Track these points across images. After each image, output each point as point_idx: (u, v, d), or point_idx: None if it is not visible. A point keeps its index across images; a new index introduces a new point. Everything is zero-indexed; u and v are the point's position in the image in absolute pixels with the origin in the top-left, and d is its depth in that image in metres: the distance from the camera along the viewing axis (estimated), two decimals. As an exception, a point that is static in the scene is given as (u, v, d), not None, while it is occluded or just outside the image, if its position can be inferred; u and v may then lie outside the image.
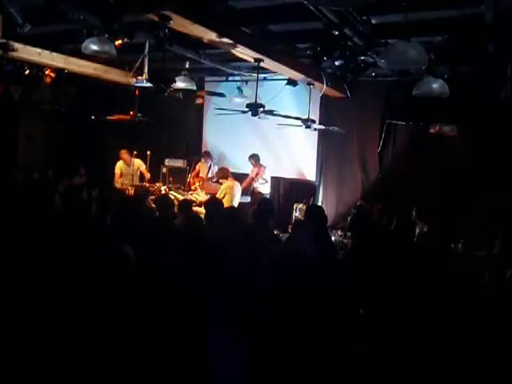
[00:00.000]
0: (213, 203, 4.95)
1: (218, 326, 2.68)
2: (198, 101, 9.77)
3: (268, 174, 9.46)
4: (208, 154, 9.91)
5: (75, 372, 2.23)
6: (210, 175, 9.64)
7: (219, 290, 2.84)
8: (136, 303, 2.52)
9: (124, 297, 2.47)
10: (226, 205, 6.92)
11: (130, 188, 8.02)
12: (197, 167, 9.68)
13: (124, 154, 8.92)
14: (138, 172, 8.93)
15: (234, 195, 7.82)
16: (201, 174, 9.55)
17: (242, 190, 9.06)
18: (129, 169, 8.79)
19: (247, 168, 10.34)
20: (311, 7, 4.74)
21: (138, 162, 8.81)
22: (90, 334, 2.30)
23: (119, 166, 8.96)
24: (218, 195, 7.51)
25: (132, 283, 2.54)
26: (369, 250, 3.69)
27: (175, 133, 10.75)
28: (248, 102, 7.83)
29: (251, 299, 2.93)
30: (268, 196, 9.21)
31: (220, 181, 7.96)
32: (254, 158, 9.41)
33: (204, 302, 2.80)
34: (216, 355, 2.61)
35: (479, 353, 2.77)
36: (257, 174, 9.31)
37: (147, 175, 8.75)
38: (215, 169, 9.77)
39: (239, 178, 9.59)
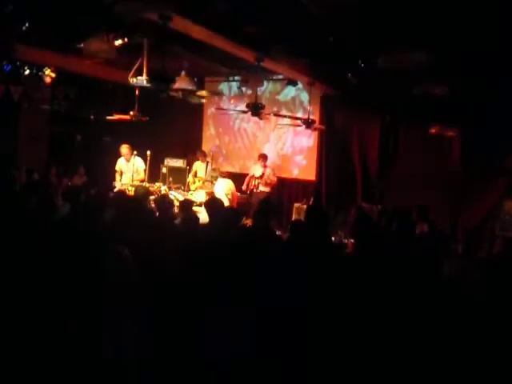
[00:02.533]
0: (213, 203, 4.94)
1: (218, 326, 2.68)
2: (198, 101, 9.75)
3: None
4: (204, 154, 9.86)
5: (70, 370, 2.24)
6: (209, 171, 9.56)
7: (220, 290, 2.84)
8: (134, 303, 2.52)
9: (120, 296, 2.47)
10: (227, 203, 6.95)
11: (130, 188, 7.97)
12: (193, 167, 9.66)
13: (124, 148, 8.71)
14: (139, 171, 8.79)
15: (233, 196, 7.87)
16: (199, 174, 9.52)
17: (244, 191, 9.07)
18: (129, 166, 8.67)
19: (247, 168, 10.34)
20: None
21: (138, 161, 8.72)
22: (86, 332, 2.30)
23: (119, 163, 8.85)
24: (226, 191, 7.54)
25: (128, 283, 2.54)
26: (370, 251, 3.68)
27: (175, 133, 10.74)
28: (248, 101, 7.82)
29: (252, 299, 2.93)
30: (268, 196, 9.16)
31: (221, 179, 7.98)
32: (264, 158, 9.23)
33: (203, 303, 2.80)
34: (215, 354, 2.61)
35: (479, 353, 2.77)
36: (263, 174, 9.21)
37: (142, 176, 8.60)
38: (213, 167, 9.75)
39: (239, 178, 9.60)
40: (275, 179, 9.19)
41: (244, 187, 9.28)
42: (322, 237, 4.06)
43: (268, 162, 9.32)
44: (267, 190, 9.16)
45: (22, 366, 2.30)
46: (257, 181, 9.14)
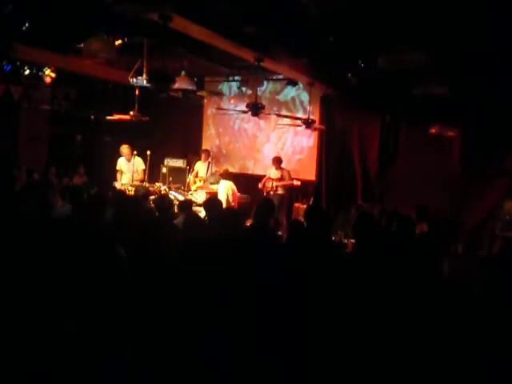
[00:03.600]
0: (212, 203, 4.94)
1: (218, 326, 2.68)
2: (198, 101, 9.77)
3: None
4: (207, 153, 9.87)
5: (69, 370, 2.24)
6: (209, 174, 9.55)
7: (219, 291, 2.83)
8: (129, 303, 2.52)
9: (117, 297, 2.47)
10: (225, 204, 6.95)
11: (129, 188, 7.97)
12: (195, 167, 9.66)
13: (124, 148, 8.68)
14: (138, 171, 8.79)
15: (234, 197, 7.87)
16: (200, 174, 9.51)
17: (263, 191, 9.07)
18: (130, 165, 8.65)
19: (246, 168, 10.35)
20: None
21: (138, 161, 8.72)
22: (84, 332, 2.30)
23: (120, 163, 8.80)
24: (227, 191, 7.54)
25: (124, 283, 2.54)
26: (372, 251, 3.68)
27: (175, 133, 10.75)
28: (248, 101, 7.82)
29: (251, 299, 2.93)
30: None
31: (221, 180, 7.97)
32: (279, 161, 9.17)
33: (203, 303, 2.80)
34: (214, 354, 2.61)
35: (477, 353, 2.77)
36: (281, 176, 9.11)
37: (141, 176, 8.57)
38: (214, 167, 9.75)
39: (239, 178, 9.60)
40: (292, 182, 9.11)
41: (260, 185, 9.22)
42: (322, 237, 4.06)
43: (268, 162, 9.32)
44: (284, 192, 9.12)
45: (21, 367, 2.30)
46: (275, 183, 9.11)
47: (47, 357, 2.26)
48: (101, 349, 2.26)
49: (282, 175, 9.07)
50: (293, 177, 9.19)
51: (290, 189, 9.24)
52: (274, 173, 9.17)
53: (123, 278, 2.48)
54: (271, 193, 9.05)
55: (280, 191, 9.09)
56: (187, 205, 5.30)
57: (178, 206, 5.54)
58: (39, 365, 2.26)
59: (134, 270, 2.71)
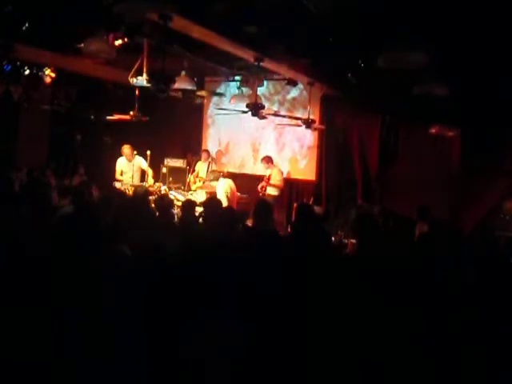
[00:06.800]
0: (211, 203, 4.94)
1: (218, 326, 2.68)
2: (198, 101, 9.77)
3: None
4: (207, 153, 9.90)
5: (69, 370, 2.24)
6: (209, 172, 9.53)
7: (220, 290, 2.84)
8: (133, 302, 2.53)
9: (120, 295, 2.47)
10: (225, 203, 6.94)
11: (129, 188, 7.96)
12: (196, 168, 9.67)
13: (126, 149, 8.63)
14: (139, 171, 8.79)
15: (233, 195, 7.86)
16: (200, 174, 9.52)
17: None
18: (130, 166, 8.64)
19: (246, 168, 10.36)
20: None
21: (139, 160, 8.71)
22: (85, 332, 2.31)
23: (120, 162, 8.75)
24: (226, 190, 7.54)
25: (126, 281, 2.54)
26: (371, 250, 3.68)
27: (175, 133, 10.75)
28: (248, 101, 7.82)
29: (249, 300, 2.93)
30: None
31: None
32: (266, 160, 9.26)
33: (203, 303, 2.80)
34: (213, 354, 2.61)
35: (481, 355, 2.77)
36: (269, 176, 9.15)
37: (150, 172, 8.53)
38: (214, 167, 9.76)
39: (239, 178, 9.60)
40: (281, 182, 9.12)
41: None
42: (320, 237, 4.07)
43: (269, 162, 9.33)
44: (276, 193, 9.09)
45: (21, 367, 2.30)
46: (265, 183, 9.13)
47: (48, 355, 2.26)
48: (102, 346, 2.26)
49: (269, 175, 9.11)
50: (285, 176, 9.30)
51: (281, 188, 9.20)
52: (265, 173, 9.25)
53: (126, 276, 2.49)
54: (266, 194, 9.06)
55: (271, 192, 9.05)
56: (189, 205, 5.28)
57: (182, 206, 5.51)
58: (39, 363, 2.26)
59: (136, 268, 2.71)
